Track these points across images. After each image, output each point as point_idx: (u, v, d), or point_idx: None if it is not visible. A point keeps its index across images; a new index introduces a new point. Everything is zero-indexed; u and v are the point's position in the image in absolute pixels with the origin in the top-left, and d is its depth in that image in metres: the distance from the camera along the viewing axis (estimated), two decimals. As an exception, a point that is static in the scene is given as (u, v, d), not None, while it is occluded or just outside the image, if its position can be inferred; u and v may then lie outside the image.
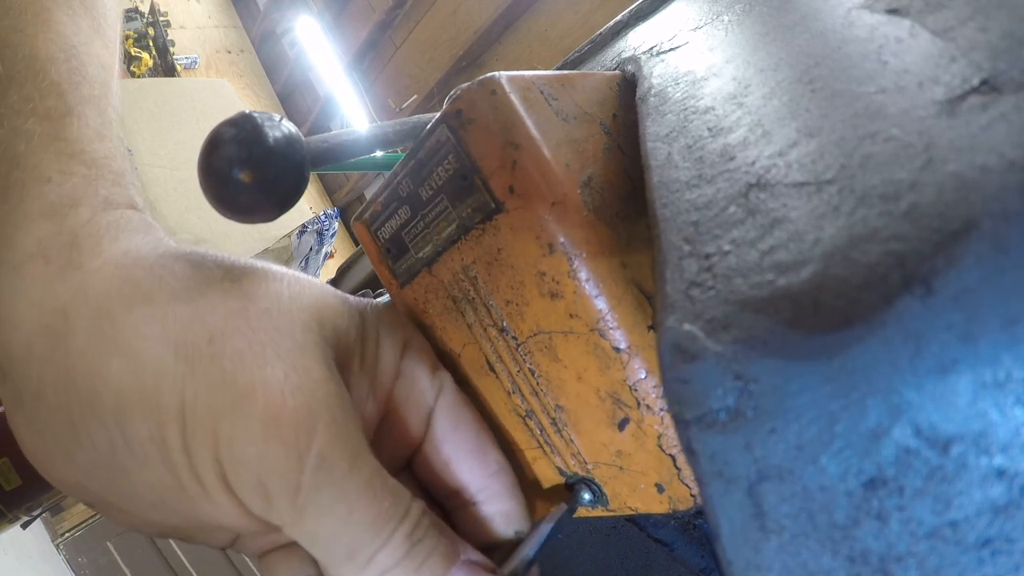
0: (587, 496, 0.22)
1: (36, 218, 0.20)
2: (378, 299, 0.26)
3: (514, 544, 0.23)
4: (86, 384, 0.18)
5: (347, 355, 0.22)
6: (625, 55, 0.29)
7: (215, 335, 0.19)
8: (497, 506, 0.23)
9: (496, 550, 0.23)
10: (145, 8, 3.13)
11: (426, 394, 0.24)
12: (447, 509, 0.25)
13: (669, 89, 0.22)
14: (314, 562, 0.21)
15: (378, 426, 0.23)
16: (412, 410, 0.24)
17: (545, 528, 0.22)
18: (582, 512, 0.23)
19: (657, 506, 0.21)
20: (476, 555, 0.21)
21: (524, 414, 0.23)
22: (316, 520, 0.18)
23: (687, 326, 0.14)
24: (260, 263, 0.22)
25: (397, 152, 0.30)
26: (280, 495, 0.18)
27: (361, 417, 0.22)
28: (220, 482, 0.18)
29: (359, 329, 0.23)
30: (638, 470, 0.20)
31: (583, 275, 0.19)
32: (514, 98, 0.20)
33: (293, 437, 0.18)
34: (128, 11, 3.04)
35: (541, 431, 0.23)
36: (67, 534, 2.09)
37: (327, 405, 0.19)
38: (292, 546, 0.21)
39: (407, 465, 0.25)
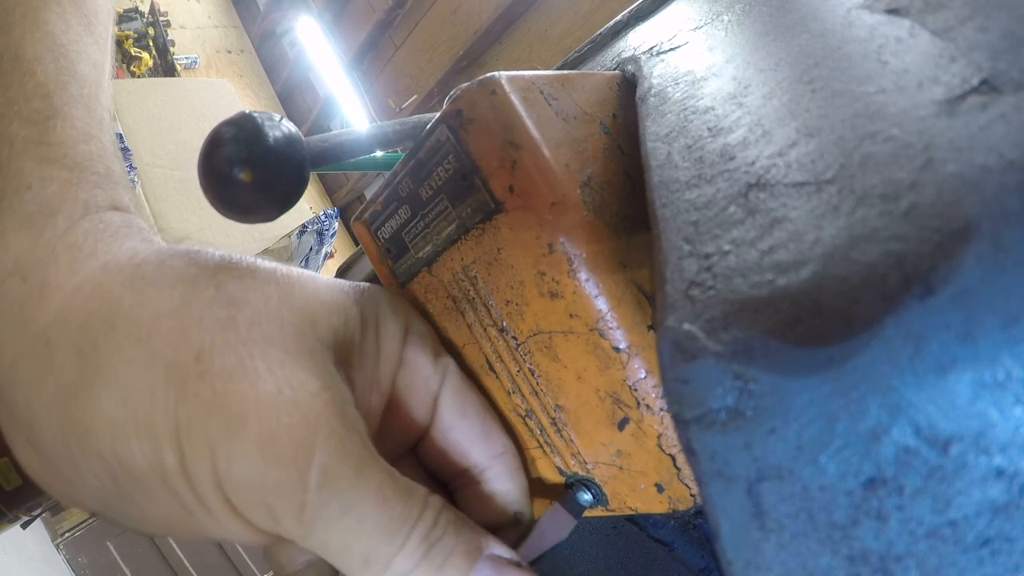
0: (586, 497, 0.22)
1: (15, 231, 0.20)
2: (376, 284, 0.25)
3: (515, 525, 0.23)
4: (78, 419, 0.18)
5: (346, 351, 0.21)
6: (625, 55, 0.29)
7: (203, 351, 0.18)
8: (499, 486, 0.23)
9: (497, 531, 0.23)
10: (145, 8, 3.13)
11: (430, 380, 0.23)
12: (451, 489, 0.25)
13: (669, 89, 0.22)
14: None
15: (386, 416, 0.23)
16: (416, 397, 0.23)
17: (548, 520, 0.22)
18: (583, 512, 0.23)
19: (657, 506, 0.21)
20: (501, 549, 0.20)
21: (524, 414, 0.23)
22: (326, 532, 0.18)
23: (687, 326, 0.14)
24: (246, 260, 0.21)
25: (397, 152, 0.30)
26: (286, 513, 0.18)
27: (366, 411, 0.22)
28: (225, 505, 0.18)
29: (358, 321, 0.22)
30: (638, 470, 0.20)
31: (583, 275, 0.19)
32: (514, 98, 0.20)
33: (292, 456, 0.17)
34: (128, 11, 3.04)
35: (541, 431, 0.23)
36: (67, 534, 2.09)
37: (325, 417, 0.18)
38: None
39: (412, 448, 0.25)
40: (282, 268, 0.22)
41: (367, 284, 0.24)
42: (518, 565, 0.20)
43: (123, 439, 0.18)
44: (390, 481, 0.19)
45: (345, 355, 0.21)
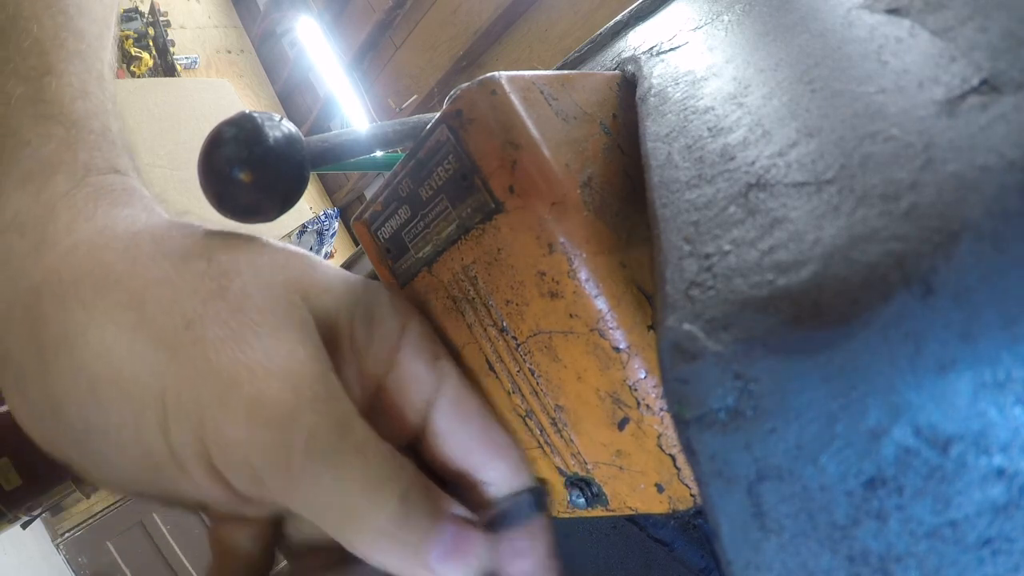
0: (579, 500, 0.22)
1: (15, 186, 0.21)
2: (378, 280, 0.25)
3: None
4: (61, 371, 0.19)
5: (334, 335, 0.22)
6: (625, 55, 0.29)
7: (193, 320, 0.19)
8: (506, 484, 0.23)
9: None
10: (145, 8, 3.13)
11: (424, 385, 0.23)
12: (456, 486, 0.24)
13: (669, 89, 0.22)
14: (262, 534, 0.22)
15: (370, 411, 0.23)
16: (407, 400, 0.23)
17: (510, 504, 0.23)
18: (582, 512, 0.23)
19: (657, 506, 0.21)
20: (461, 510, 0.21)
21: (524, 414, 0.23)
22: (310, 491, 0.18)
23: (687, 326, 0.14)
24: (241, 234, 0.22)
25: (397, 152, 0.30)
26: (271, 474, 0.18)
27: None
28: (204, 465, 0.19)
29: (350, 309, 0.22)
30: (638, 470, 0.20)
31: (583, 275, 0.19)
32: (514, 98, 0.20)
33: (279, 420, 0.18)
34: (128, 11, 3.04)
35: (541, 431, 0.23)
36: (67, 534, 2.09)
37: (311, 384, 0.19)
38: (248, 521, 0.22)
39: (406, 446, 0.24)
40: (278, 243, 0.22)
41: (370, 280, 0.24)
42: (474, 524, 0.20)
43: (103, 396, 0.18)
44: (372, 444, 0.19)
45: (333, 338, 0.21)
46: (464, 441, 0.23)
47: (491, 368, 0.23)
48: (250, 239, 0.22)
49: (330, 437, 0.19)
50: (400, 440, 0.23)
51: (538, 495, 0.23)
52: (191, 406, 0.18)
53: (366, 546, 0.19)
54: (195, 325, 0.19)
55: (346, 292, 0.22)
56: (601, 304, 0.19)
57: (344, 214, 3.01)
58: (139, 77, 2.93)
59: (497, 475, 0.23)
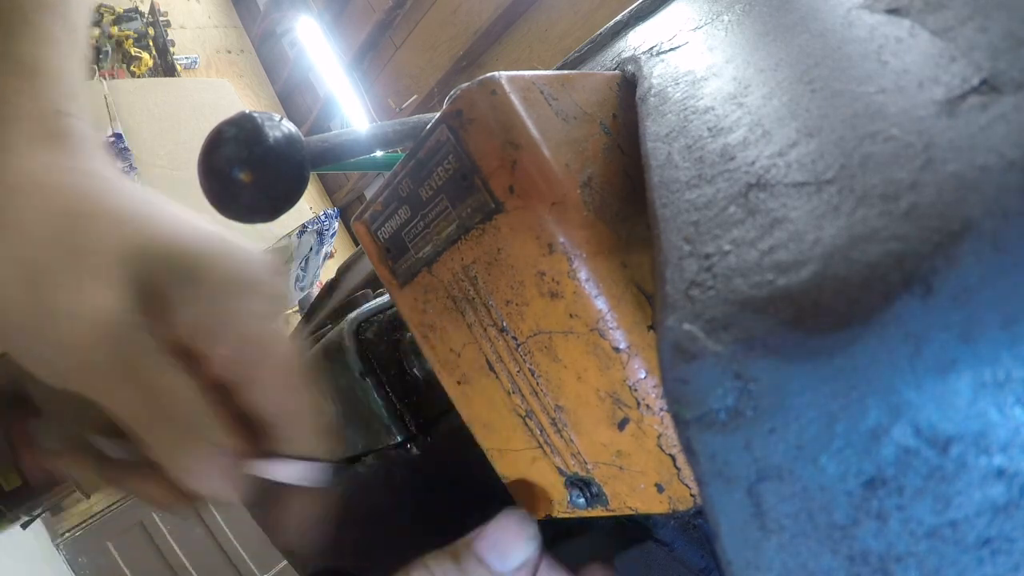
0: (580, 500, 0.22)
1: None
2: (224, 254, 0.27)
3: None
4: None
5: (156, 289, 0.26)
6: (625, 55, 0.29)
7: (45, 265, 0.24)
8: (300, 447, 0.27)
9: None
10: (145, 8, 3.13)
11: (230, 346, 0.26)
12: (262, 434, 0.28)
13: (669, 89, 0.22)
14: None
15: (183, 353, 0.26)
16: (222, 350, 0.27)
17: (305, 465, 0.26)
18: (582, 512, 0.23)
19: (657, 506, 0.21)
20: (231, 443, 0.25)
21: (524, 414, 0.23)
22: (107, 403, 0.24)
23: (687, 326, 0.14)
24: (116, 197, 0.26)
25: (397, 152, 0.30)
26: (80, 386, 0.24)
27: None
28: (42, 369, 0.25)
29: (178, 272, 0.26)
30: (638, 470, 0.20)
31: (583, 275, 0.19)
32: (514, 98, 0.20)
33: (79, 350, 0.24)
34: (128, 11, 3.04)
35: (541, 431, 0.23)
36: (67, 534, 2.09)
37: (108, 325, 0.24)
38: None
39: (224, 388, 0.28)
40: (143, 209, 0.27)
41: (234, 250, 0.27)
42: (242, 458, 0.25)
43: None
44: (154, 377, 0.24)
45: (156, 292, 0.26)
46: (270, 398, 0.27)
47: (491, 368, 0.23)
48: (117, 206, 0.26)
49: (115, 368, 0.24)
50: (214, 380, 0.27)
51: (330, 471, 0.27)
52: (30, 328, 0.24)
53: (146, 448, 0.25)
54: (48, 269, 0.24)
55: (178, 256, 0.26)
56: (601, 304, 0.19)
57: (344, 214, 3.01)
58: (139, 77, 2.93)
59: (294, 435, 0.27)
